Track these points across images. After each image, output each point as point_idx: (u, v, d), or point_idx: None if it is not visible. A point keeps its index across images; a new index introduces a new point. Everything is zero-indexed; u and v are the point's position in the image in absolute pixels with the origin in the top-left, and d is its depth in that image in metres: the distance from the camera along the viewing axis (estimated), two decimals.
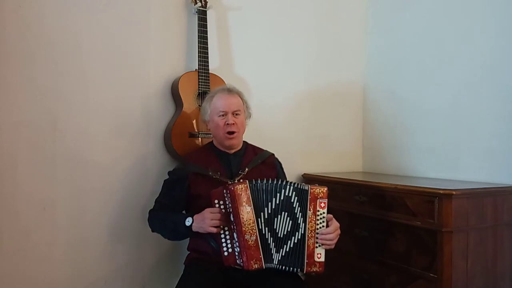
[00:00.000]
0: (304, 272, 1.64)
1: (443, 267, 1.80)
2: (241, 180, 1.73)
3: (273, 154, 2.03)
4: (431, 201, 1.85)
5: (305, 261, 1.63)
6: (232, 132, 1.84)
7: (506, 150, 2.07)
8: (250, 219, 1.61)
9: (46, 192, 1.98)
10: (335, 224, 1.68)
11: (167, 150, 2.22)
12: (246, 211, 1.62)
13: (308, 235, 1.64)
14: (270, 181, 1.67)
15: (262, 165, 1.94)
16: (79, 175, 2.05)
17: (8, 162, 1.91)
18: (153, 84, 2.22)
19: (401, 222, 1.99)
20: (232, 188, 1.62)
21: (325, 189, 1.67)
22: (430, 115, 2.43)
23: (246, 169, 1.87)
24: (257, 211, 1.63)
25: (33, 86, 1.95)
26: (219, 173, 1.83)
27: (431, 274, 1.85)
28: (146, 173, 2.20)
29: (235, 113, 1.86)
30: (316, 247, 1.65)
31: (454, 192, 1.79)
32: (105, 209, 2.11)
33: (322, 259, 1.65)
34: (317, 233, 1.65)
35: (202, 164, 1.86)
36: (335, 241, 1.66)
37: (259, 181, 1.66)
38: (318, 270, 1.64)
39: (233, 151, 1.92)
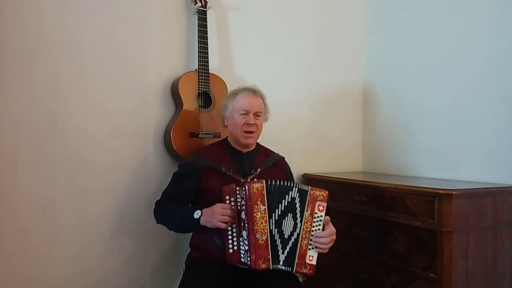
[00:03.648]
0: (293, 272, 1.63)
1: (443, 267, 1.80)
2: (255, 179, 1.74)
3: (283, 158, 2.04)
4: (431, 201, 1.85)
5: (296, 261, 1.62)
6: (251, 132, 1.85)
7: (506, 150, 2.07)
8: (263, 219, 1.61)
9: (46, 192, 1.98)
10: (331, 229, 1.67)
11: (167, 150, 2.22)
12: (260, 210, 1.61)
13: (302, 236, 1.63)
14: (283, 183, 1.67)
15: (273, 167, 1.95)
16: (79, 175, 2.05)
17: (8, 162, 1.91)
18: (153, 84, 2.22)
19: (401, 222, 1.99)
20: (248, 186, 1.62)
21: (326, 192, 1.67)
22: (430, 115, 2.43)
23: (259, 170, 1.87)
24: (270, 211, 1.64)
25: (33, 86, 1.95)
26: (232, 170, 1.83)
27: (431, 274, 1.85)
28: (146, 173, 2.19)
29: (256, 114, 1.87)
30: (309, 249, 1.63)
31: (454, 192, 1.79)
32: (105, 209, 2.11)
33: (314, 262, 1.63)
34: (312, 235, 1.64)
35: (215, 160, 1.86)
36: (329, 245, 1.65)
37: (273, 182, 1.66)
38: (308, 272, 1.62)
39: (246, 150, 1.93)
